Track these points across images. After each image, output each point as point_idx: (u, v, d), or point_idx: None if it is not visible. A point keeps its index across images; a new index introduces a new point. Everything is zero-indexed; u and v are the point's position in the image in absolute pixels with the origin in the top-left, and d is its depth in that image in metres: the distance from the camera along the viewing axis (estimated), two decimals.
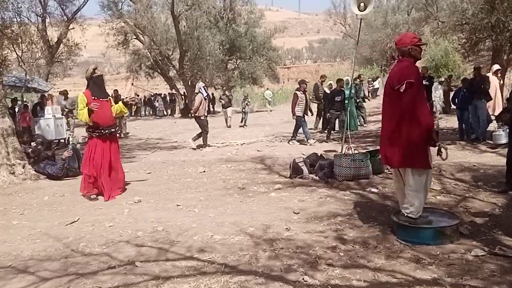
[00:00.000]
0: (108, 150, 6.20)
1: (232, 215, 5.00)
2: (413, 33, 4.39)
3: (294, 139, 11.56)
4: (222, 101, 18.32)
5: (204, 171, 7.83)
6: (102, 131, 6.11)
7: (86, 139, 6.66)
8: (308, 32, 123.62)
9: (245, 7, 30.24)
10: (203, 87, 11.77)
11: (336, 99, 11.61)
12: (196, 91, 11.68)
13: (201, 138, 11.50)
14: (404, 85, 3.81)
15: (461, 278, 3.10)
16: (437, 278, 3.13)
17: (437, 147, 4.03)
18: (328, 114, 12.02)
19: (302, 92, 11.39)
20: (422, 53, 4.23)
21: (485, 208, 4.80)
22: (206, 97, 11.58)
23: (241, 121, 18.25)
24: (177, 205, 5.57)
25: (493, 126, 9.70)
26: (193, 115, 11.67)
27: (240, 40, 28.34)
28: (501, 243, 3.75)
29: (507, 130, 6.82)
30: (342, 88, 11.98)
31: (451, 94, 15.53)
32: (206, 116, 11.69)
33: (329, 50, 79.23)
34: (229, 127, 17.69)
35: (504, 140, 8.18)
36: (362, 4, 7.45)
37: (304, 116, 11.39)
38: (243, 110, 18.48)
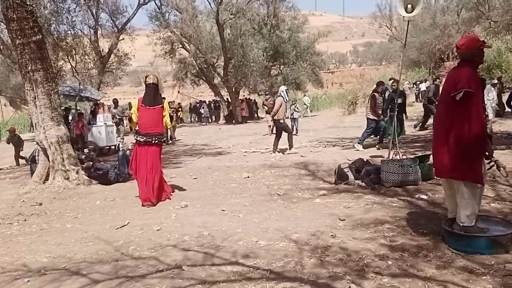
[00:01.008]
0: (145, 157, 6.34)
1: (276, 221, 5.00)
2: (477, 36, 4.19)
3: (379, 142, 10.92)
4: (266, 107, 16.91)
5: (248, 177, 7.89)
6: (140, 138, 6.32)
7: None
8: (352, 36, 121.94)
9: (289, 13, 30.25)
10: (286, 90, 11.74)
11: (397, 101, 10.39)
12: (278, 94, 11.54)
13: (287, 140, 11.26)
14: (462, 94, 3.64)
15: None
16: None
17: (492, 162, 3.88)
18: (387, 118, 10.91)
19: (380, 95, 10.85)
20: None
21: None
22: (286, 99, 11.51)
23: (292, 130, 16.82)
24: (222, 210, 5.64)
25: None
26: (272, 119, 11.57)
27: (283, 46, 28.38)
28: None
29: None
30: (403, 90, 11.20)
31: (503, 96, 14.83)
32: (285, 119, 11.61)
33: (375, 54, 77.69)
34: (271, 134, 16.71)
35: None
36: (409, 6, 7.25)
37: (378, 120, 10.66)
38: (292, 116, 16.94)
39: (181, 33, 26.08)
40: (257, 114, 30.35)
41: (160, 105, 6.45)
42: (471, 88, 3.65)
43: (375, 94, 10.81)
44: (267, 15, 29.13)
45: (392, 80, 11.68)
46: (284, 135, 11.17)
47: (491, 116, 12.61)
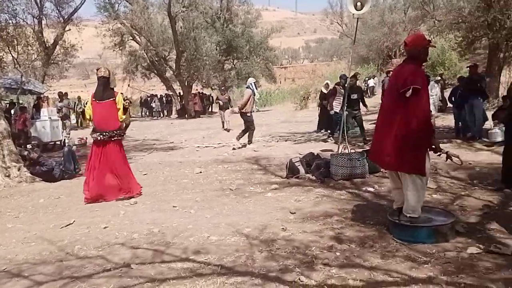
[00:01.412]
0: (99, 155, 6.09)
1: (228, 216, 5.00)
2: (423, 34, 4.33)
3: (331, 136, 11.07)
4: (220, 102, 16.62)
5: (201, 172, 7.82)
6: (94, 135, 6.09)
7: (82, 140, 6.65)
8: (305, 31, 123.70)
9: (242, 7, 30.24)
10: (254, 83, 11.57)
11: (352, 97, 10.45)
12: (246, 86, 11.36)
13: (247, 135, 11.25)
14: (410, 91, 3.77)
15: (457, 276, 3.10)
16: (433, 276, 3.13)
17: (443, 154, 4.07)
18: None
19: (341, 87, 10.94)
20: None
21: (481, 206, 4.80)
22: (254, 92, 11.34)
23: None
24: (173, 206, 5.56)
25: (489, 124, 9.71)
26: (239, 111, 11.30)
27: (237, 40, 28.35)
28: (496, 241, 3.75)
29: (503, 128, 6.83)
30: (358, 85, 11.14)
31: (445, 92, 15.63)
32: (252, 113, 11.46)
33: (326, 50, 79.20)
34: (228, 130, 15.75)
35: (500, 138, 8.20)
36: (358, 4, 7.45)
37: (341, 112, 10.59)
38: None
39: (131, 24, 25.35)
40: (211, 109, 30.15)
41: (111, 99, 6.09)
42: (418, 84, 3.78)
43: (337, 87, 11.03)
44: (220, 9, 28.95)
45: (351, 75, 11.80)
46: (209, 130, 11.17)
47: (434, 111, 13.24)
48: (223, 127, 16.09)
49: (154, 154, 10.97)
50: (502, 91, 13.34)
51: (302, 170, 6.91)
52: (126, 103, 6.13)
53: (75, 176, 8.01)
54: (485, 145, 8.71)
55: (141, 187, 6.43)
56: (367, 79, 29.67)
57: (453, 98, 10.54)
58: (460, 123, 10.14)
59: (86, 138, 13.84)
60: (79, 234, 4.62)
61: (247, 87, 11.46)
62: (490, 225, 4.18)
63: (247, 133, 11.18)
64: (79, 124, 21.19)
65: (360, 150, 7.85)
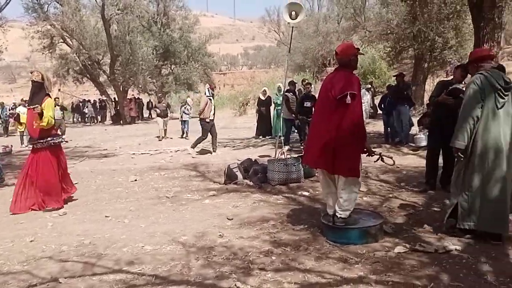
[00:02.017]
0: (28, 163, 5.81)
1: (164, 224, 4.89)
2: (352, 43, 4.49)
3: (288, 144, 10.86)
4: (158, 109, 15.58)
5: (136, 180, 7.61)
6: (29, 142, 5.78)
7: (7, 149, 6.22)
8: (243, 38, 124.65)
9: (180, 12, 29.90)
10: (208, 88, 11.34)
11: (305, 105, 10.40)
12: (204, 92, 11.13)
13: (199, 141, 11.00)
14: (349, 96, 3.87)
15: (385, 275, 3.26)
16: (363, 276, 3.26)
17: (376, 155, 4.26)
18: (297, 121, 10.71)
19: (292, 94, 11.12)
20: None
21: (407, 207, 5.10)
22: (211, 98, 11.03)
23: (183, 133, 15.62)
24: (106, 216, 5.35)
25: (415, 129, 10.34)
26: (199, 117, 11.04)
27: (174, 45, 27.95)
28: (421, 240, 3.99)
29: (427, 133, 7.30)
30: (312, 93, 10.99)
31: (375, 99, 16.47)
32: (213, 120, 11.06)
33: (264, 57, 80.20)
34: (165, 138, 15.20)
35: (424, 142, 8.75)
36: (293, 13, 7.66)
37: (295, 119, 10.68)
38: (181, 119, 15.85)
39: (62, 26, 24.14)
40: (150, 115, 29.37)
41: (33, 106, 5.69)
42: (355, 90, 3.94)
43: (287, 94, 11.16)
44: (157, 13, 28.43)
45: (306, 82, 11.99)
46: (146, 136, 10.95)
47: (365, 117, 13.89)
48: (160, 135, 15.09)
49: (86, 162, 10.49)
50: (427, 99, 14.29)
51: (240, 176, 6.94)
52: (38, 109, 5.65)
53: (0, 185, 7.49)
54: (411, 149, 9.27)
55: (62, 203, 6.03)
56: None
57: (382, 105, 11.10)
58: (388, 128, 10.70)
59: (11, 146, 12.99)
60: (2, 248, 4.29)
61: (204, 93, 11.30)
62: (415, 225, 4.44)
63: (196, 137, 11.05)
64: (4, 131, 19.84)
65: (296, 155, 8.03)
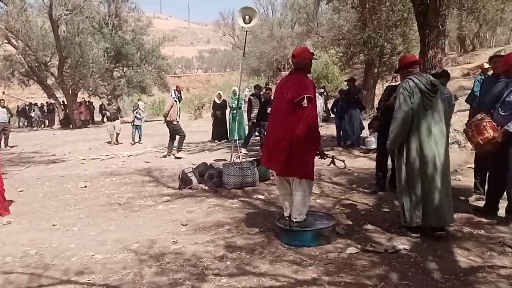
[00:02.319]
0: None
1: (115, 232, 4.74)
2: (308, 48, 4.53)
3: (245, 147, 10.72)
4: (108, 112, 14.66)
5: (86, 186, 7.35)
6: None
7: None
8: (198, 41, 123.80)
9: (132, 13, 29.27)
10: (174, 90, 11.03)
11: (268, 110, 9.92)
12: (170, 94, 10.77)
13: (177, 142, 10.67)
14: (305, 100, 3.91)
15: (337, 276, 3.33)
16: (316, 277, 3.31)
17: (328, 158, 4.33)
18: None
19: (257, 98, 11.03)
20: None
21: (359, 209, 5.24)
22: (176, 100, 10.71)
23: (133, 138, 14.57)
24: (53, 225, 5.13)
25: (366, 132, 10.66)
26: (164, 120, 10.71)
27: (127, 48, 27.30)
28: (371, 240, 4.11)
29: (377, 136, 7.54)
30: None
31: (328, 103, 16.84)
32: (178, 121, 10.90)
33: (219, 60, 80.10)
34: (115, 143, 14.30)
35: (374, 145, 9.03)
36: (247, 17, 7.70)
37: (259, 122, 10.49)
38: (133, 123, 14.78)
39: (6, 27, 22.93)
40: (103, 119, 28.44)
41: None
42: (311, 93, 4.00)
43: (251, 98, 11.12)
44: (108, 14, 27.67)
45: (266, 87, 11.86)
46: (97, 141, 10.64)
47: (318, 120, 14.14)
48: (111, 140, 14.40)
49: (33, 168, 10.00)
50: (377, 103, 14.78)
51: (195, 180, 6.86)
52: None
53: None
54: (362, 152, 9.54)
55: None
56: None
57: (334, 109, 11.36)
58: (341, 132, 10.96)
59: None
60: None
61: (170, 95, 11.05)
62: (366, 226, 4.57)
63: (177, 141, 10.73)
64: None
65: (251, 159, 8.05)
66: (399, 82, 6.22)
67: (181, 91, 11.51)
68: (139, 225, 4.97)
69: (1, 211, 5.58)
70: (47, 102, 29.62)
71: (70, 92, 24.73)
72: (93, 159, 11.20)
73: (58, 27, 22.75)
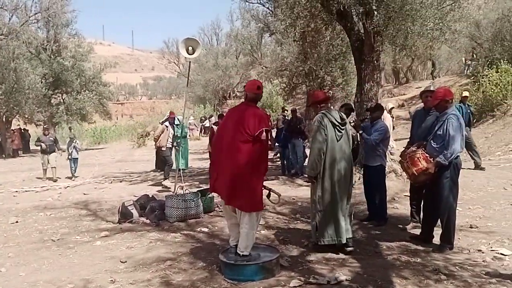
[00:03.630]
0: None
1: (48, 272, 4.45)
2: (258, 81, 4.58)
3: None
4: (42, 144, 12.58)
5: (17, 222, 6.87)
6: None
7: None
8: (142, 68, 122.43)
9: (72, 39, 28.43)
10: (168, 117, 10.69)
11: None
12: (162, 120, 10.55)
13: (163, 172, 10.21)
14: (264, 133, 4.00)
15: None
16: None
17: (266, 190, 4.36)
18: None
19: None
20: None
21: (302, 239, 5.28)
22: (171, 124, 10.31)
23: (72, 174, 12.98)
24: None
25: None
26: (155, 147, 10.30)
27: (66, 74, 26.33)
28: (314, 272, 4.14)
29: None
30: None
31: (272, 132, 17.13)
32: (170, 148, 10.51)
33: (164, 88, 79.57)
34: (55, 180, 12.33)
35: None
36: (190, 48, 7.71)
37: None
38: (70, 157, 12.99)
39: None
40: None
41: None
42: (267, 125, 4.10)
43: (214, 127, 10.98)
44: (47, 40, 26.68)
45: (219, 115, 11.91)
46: (31, 171, 10.02)
47: None
48: (43, 176, 12.65)
49: None
50: None
51: (135, 213, 6.62)
52: None
53: None
54: (305, 180, 9.70)
55: None
56: (203, 118, 30.58)
57: (278, 138, 11.55)
58: (285, 161, 11.13)
59: None
60: None
61: (161, 122, 10.67)
62: (309, 257, 4.61)
63: (164, 169, 10.30)
64: None
65: (195, 189, 7.94)
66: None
67: (175, 118, 11.12)
68: (74, 264, 4.69)
69: None
70: None
71: (4, 119, 23.34)
72: (26, 191, 10.53)
73: None
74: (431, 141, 4.84)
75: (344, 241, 4.62)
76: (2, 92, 22.63)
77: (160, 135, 10.46)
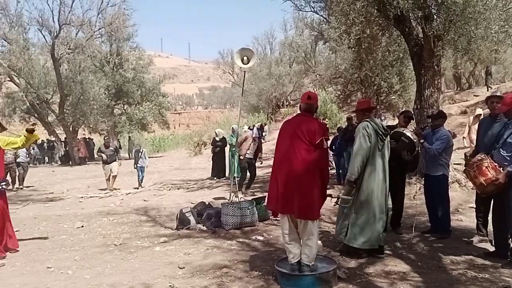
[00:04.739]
0: None
1: (111, 275, 4.63)
2: (310, 91, 4.71)
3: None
4: (104, 155, 12.60)
5: (82, 226, 7.24)
6: None
7: None
8: (198, 79, 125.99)
9: (133, 52, 29.87)
10: (255, 126, 10.55)
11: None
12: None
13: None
14: (324, 141, 4.02)
15: None
16: None
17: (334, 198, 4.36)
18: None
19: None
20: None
21: (360, 251, 5.11)
22: (256, 137, 10.04)
23: (139, 183, 13.03)
24: (48, 268, 5.00)
25: None
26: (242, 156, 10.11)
27: (127, 85, 27.72)
28: (374, 285, 4.01)
29: None
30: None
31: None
32: (253, 159, 10.26)
33: (219, 97, 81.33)
34: (112, 188, 12.54)
35: None
36: (245, 58, 7.83)
37: (255, 159, 10.56)
38: (136, 166, 13.09)
39: (8, 65, 23.32)
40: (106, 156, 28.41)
41: None
42: (327, 135, 4.13)
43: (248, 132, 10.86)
44: (110, 53, 28.23)
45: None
46: (96, 178, 10.46)
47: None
48: (108, 185, 12.66)
49: (30, 207, 9.89)
50: None
51: (192, 220, 6.76)
52: None
53: None
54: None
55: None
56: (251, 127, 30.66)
57: (333, 146, 11.37)
58: (340, 170, 10.92)
59: None
60: None
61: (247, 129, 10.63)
62: (368, 269, 4.46)
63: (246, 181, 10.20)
64: None
65: (250, 198, 7.97)
66: (397, 120, 6.64)
67: (264, 126, 10.76)
68: (135, 268, 4.86)
69: None
70: (47, 139, 29.74)
71: (71, 129, 24.88)
72: (91, 197, 11.11)
73: (60, 66, 23.19)
74: (500, 149, 4.55)
75: (376, 247, 4.75)
76: (69, 104, 24.20)
77: (242, 142, 10.08)
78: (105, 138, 14.97)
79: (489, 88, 22.96)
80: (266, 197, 4.50)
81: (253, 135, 11.38)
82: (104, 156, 12.63)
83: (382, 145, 4.74)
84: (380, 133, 4.73)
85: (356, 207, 4.75)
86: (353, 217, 4.77)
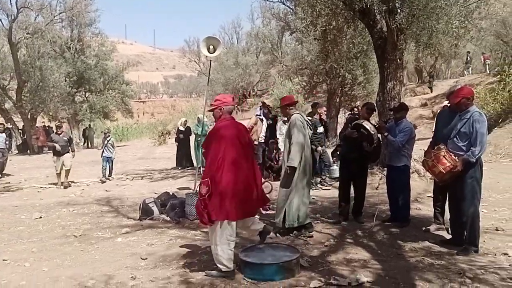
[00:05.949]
0: None
1: (70, 267, 4.51)
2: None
3: None
4: (56, 145, 10.79)
5: (41, 217, 7.01)
6: None
7: None
8: (163, 67, 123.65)
9: (96, 38, 28.96)
10: (260, 107, 10.04)
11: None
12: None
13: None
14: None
15: None
16: None
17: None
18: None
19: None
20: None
21: (322, 239, 5.22)
22: (265, 116, 9.41)
23: (103, 173, 11.67)
24: (4, 260, 4.84)
25: (329, 161, 10.73)
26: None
27: (89, 72, 26.88)
28: (335, 273, 4.08)
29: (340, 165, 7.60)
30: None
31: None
32: (263, 143, 9.60)
33: (185, 86, 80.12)
34: (65, 186, 10.64)
35: (337, 174, 9.10)
36: (211, 47, 7.72)
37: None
38: (102, 155, 11.82)
39: None
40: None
41: None
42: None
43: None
44: (70, 39, 27.25)
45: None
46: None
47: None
48: (59, 180, 10.96)
49: None
50: (339, 131, 15.05)
51: (156, 211, 6.68)
52: None
53: None
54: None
55: None
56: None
57: None
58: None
59: None
60: None
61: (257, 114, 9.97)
62: (330, 257, 4.55)
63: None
64: None
65: None
66: (358, 112, 6.99)
67: (268, 108, 9.91)
68: (96, 260, 4.76)
69: None
70: (4, 127, 28.42)
71: (29, 116, 23.91)
72: (50, 187, 10.75)
73: (18, 51, 22.17)
74: (455, 139, 4.70)
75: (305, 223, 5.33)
76: (27, 90, 23.21)
77: (253, 127, 9.45)
78: (57, 124, 13.14)
79: (432, 90, 24.36)
80: None
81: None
82: (57, 146, 10.76)
83: (310, 133, 5.58)
84: (307, 124, 5.46)
85: (295, 190, 5.25)
86: (297, 199, 5.26)
